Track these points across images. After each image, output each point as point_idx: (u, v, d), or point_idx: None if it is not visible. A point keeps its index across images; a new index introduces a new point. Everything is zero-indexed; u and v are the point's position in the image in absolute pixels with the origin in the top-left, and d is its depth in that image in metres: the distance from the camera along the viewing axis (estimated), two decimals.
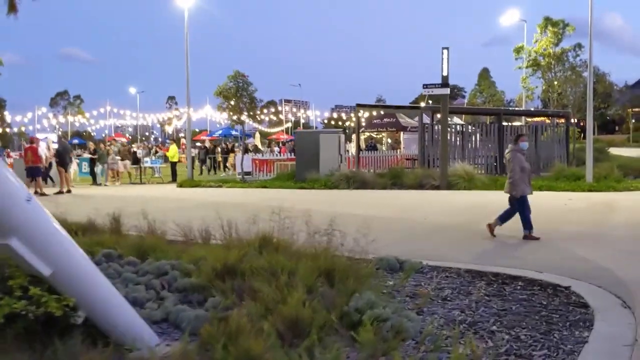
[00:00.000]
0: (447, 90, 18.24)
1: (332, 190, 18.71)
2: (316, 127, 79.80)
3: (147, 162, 26.74)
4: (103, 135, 79.78)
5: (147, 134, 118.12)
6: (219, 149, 31.69)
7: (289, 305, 4.57)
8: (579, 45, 35.25)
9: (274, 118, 63.39)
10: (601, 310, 5.36)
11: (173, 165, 26.02)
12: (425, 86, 18.31)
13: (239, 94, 21.41)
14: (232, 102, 21.66)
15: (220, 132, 42.99)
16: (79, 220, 9.68)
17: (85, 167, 26.62)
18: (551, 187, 17.22)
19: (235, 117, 21.97)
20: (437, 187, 18.29)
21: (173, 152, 26.57)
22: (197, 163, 29.61)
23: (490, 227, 9.50)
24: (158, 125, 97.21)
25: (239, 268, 5.87)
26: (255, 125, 52.61)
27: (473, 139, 24.41)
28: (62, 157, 18.73)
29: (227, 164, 30.38)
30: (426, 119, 26.26)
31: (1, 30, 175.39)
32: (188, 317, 4.73)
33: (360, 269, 6.08)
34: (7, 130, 75.58)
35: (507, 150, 10.06)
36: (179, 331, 4.72)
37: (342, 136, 21.89)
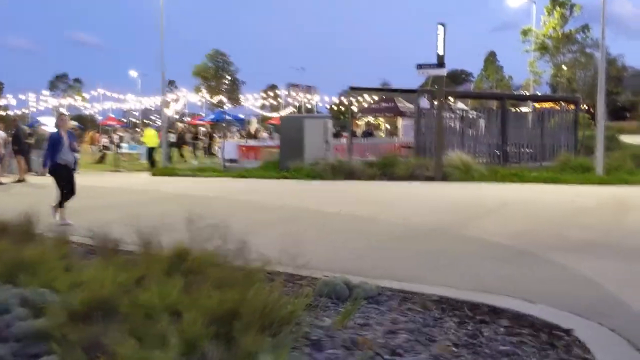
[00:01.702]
0: (444, 71, 16.50)
1: (315, 180, 17.07)
2: (318, 112, 77.81)
3: (124, 147, 25.13)
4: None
5: (153, 117, 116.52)
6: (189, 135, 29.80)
7: None
8: (587, 27, 33.30)
9: (274, 102, 61.61)
10: None
11: (150, 150, 24.41)
12: (419, 66, 16.56)
13: (218, 74, 19.70)
14: (212, 83, 19.95)
15: (212, 116, 41.26)
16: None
17: None
18: (556, 179, 15.52)
19: (216, 99, 20.23)
20: (431, 179, 16.63)
21: (148, 136, 24.96)
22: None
23: None
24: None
25: (115, 304, 4.26)
26: (253, 108, 51.00)
27: (475, 125, 22.67)
28: (19, 143, 17.16)
29: (195, 151, 28.53)
30: (426, 104, 24.57)
31: (7, 14, 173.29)
32: None
33: (284, 304, 4.46)
34: (2, 113, 74.23)
35: None
36: None
37: (330, 122, 20.19)
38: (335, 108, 65.14)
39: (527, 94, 36.08)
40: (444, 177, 16.39)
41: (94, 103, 64.82)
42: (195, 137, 28.88)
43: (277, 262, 6.61)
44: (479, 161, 21.55)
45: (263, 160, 23.02)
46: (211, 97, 20.07)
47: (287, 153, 19.16)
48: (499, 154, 22.32)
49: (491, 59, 70.84)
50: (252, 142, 26.08)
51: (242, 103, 22.79)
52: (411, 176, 17.02)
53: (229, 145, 24.08)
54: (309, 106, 73.56)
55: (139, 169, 23.31)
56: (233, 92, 19.72)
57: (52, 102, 71.66)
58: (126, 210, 10.26)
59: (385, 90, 22.91)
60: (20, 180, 17.27)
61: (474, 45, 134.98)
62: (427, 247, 7.80)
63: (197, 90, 20.15)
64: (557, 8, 35.45)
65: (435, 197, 13.17)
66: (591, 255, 7.17)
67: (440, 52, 16.28)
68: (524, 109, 30.10)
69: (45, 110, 75.61)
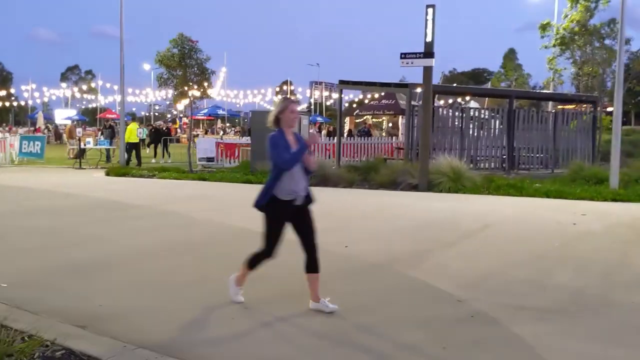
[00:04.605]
0: (431, 62, 14.04)
1: None
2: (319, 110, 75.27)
3: (88, 143, 22.98)
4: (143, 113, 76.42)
5: (174, 112, 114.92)
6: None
7: None
8: (613, 21, 30.31)
9: (275, 99, 59.36)
10: None
11: (130, 147, 22.24)
12: (404, 56, 14.13)
13: (184, 62, 17.50)
14: (178, 72, 17.80)
15: (205, 110, 39.08)
16: None
17: (26, 146, 23.07)
18: (562, 192, 12.98)
19: (179, 91, 18.06)
20: (415, 187, 14.21)
21: (128, 132, 22.79)
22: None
23: None
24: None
25: None
26: (263, 104, 48.63)
27: (485, 126, 20.08)
28: None
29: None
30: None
31: (37, 7, 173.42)
32: None
33: None
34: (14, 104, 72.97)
35: None
36: None
37: (306, 118, 17.80)
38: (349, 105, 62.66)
39: (545, 92, 33.28)
40: (430, 186, 13.97)
41: (108, 96, 62.88)
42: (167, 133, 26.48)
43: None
44: (482, 166, 19.17)
45: (243, 160, 20.82)
46: (178, 89, 17.97)
47: (258, 153, 16.87)
48: (503, 158, 19.81)
49: (510, 56, 67.63)
50: (229, 139, 23.79)
51: (210, 96, 20.68)
52: (393, 184, 14.62)
53: (205, 143, 21.85)
54: (328, 103, 71.15)
55: (105, 167, 21.11)
56: (203, 82, 17.59)
57: (64, 93, 70.35)
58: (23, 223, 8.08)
59: (377, 85, 20.50)
60: None
61: (499, 45, 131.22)
62: (337, 301, 5.40)
63: (160, 79, 17.91)
64: (581, 0, 32.51)
65: (406, 213, 10.76)
66: (579, 326, 4.75)
67: (429, 39, 13.83)
68: (547, 110, 27.42)
69: (56, 101, 74.57)
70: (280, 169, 4.84)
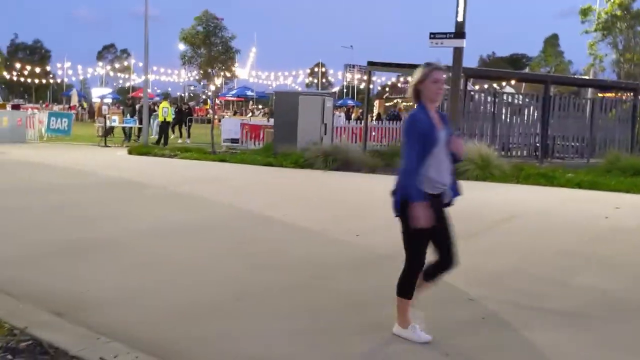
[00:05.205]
0: (462, 42, 13.42)
1: (302, 170, 14.38)
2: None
3: (114, 121, 22.87)
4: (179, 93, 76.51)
5: (207, 92, 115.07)
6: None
7: None
8: None
9: (314, 80, 59.02)
10: None
11: (163, 126, 22.06)
12: (433, 35, 13.54)
13: (208, 40, 17.18)
14: (202, 51, 17.49)
15: (234, 91, 38.81)
16: None
17: (54, 122, 23.13)
18: (596, 183, 12.31)
19: (202, 71, 17.74)
20: None
21: (160, 110, 22.59)
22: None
23: None
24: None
25: None
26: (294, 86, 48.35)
27: (520, 112, 19.32)
28: None
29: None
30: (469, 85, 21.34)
31: None
32: None
33: None
34: (51, 81, 74.27)
35: None
36: None
37: (330, 100, 17.30)
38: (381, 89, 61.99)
39: (584, 78, 32.13)
40: (456, 174, 13.39)
41: (142, 75, 62.92)
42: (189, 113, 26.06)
43: None
44: (515, 154, 18.48)
45: (267, 142, 20.45)
46: (203, 69, 17.73)
47: (281, 135, 16.56)
48: (537, 146, 19.05)
49: (552, 41, 65.62)
50: (254, 121, 23.46)
51: (237, 75, 20.42)
52: None
53: (230, 124, 21.56)
54: (361, 87, 70.54)
55: (129, 145, 21.00)
56: (227, 61, 17.34)
57: (99, 71, 70.95)
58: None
59: (406, 66, 19.91)
60: None
61: (538, 31, 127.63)
62: (339, 297, 5.01)
63: (184, 58, 17.62)
64: None
65: None
66: (602, 333, 4.27)
67: (460, 19, 13.20)
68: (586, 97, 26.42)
69: (92, 79, 75.29)
70: (417, 159, 3.76)
